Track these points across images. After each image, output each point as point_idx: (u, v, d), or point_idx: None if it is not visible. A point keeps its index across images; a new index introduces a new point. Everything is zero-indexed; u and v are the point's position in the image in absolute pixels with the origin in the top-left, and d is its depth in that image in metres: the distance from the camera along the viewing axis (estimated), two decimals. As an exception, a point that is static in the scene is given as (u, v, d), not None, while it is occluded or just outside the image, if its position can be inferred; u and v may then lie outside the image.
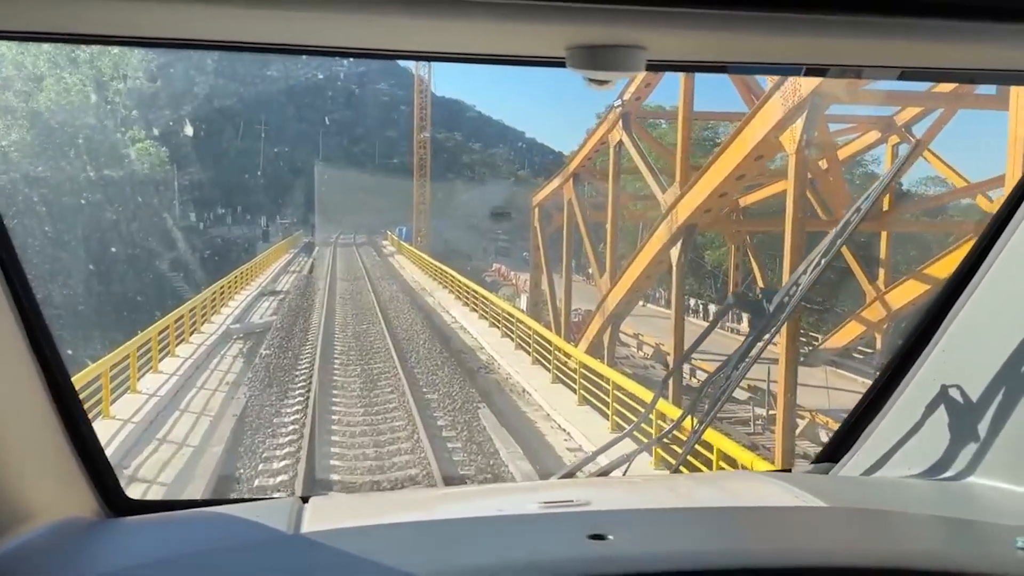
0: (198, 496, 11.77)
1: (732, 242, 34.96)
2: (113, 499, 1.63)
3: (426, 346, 23.43)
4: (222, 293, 28.01)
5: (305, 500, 1.67)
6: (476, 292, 29.60)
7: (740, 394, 21.02)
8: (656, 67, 1.08)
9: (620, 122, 24.53)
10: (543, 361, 20.30)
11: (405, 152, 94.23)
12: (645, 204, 34.05)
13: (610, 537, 1.39)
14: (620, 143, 25.09)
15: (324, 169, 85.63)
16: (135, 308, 38.33)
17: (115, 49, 53.63)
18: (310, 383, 18.23)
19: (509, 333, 24.74)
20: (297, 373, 19.64)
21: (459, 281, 33.56)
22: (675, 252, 20.32)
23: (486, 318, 27.22)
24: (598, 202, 33.88)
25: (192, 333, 22.46)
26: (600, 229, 32.05)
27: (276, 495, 9.98)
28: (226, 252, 58.55)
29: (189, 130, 70.37)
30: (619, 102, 24.15)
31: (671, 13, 0.87)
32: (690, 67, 1.28)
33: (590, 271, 52.76)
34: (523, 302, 42.19)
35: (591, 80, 1.05)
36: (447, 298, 33.83)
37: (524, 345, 22.64)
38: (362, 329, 26.15)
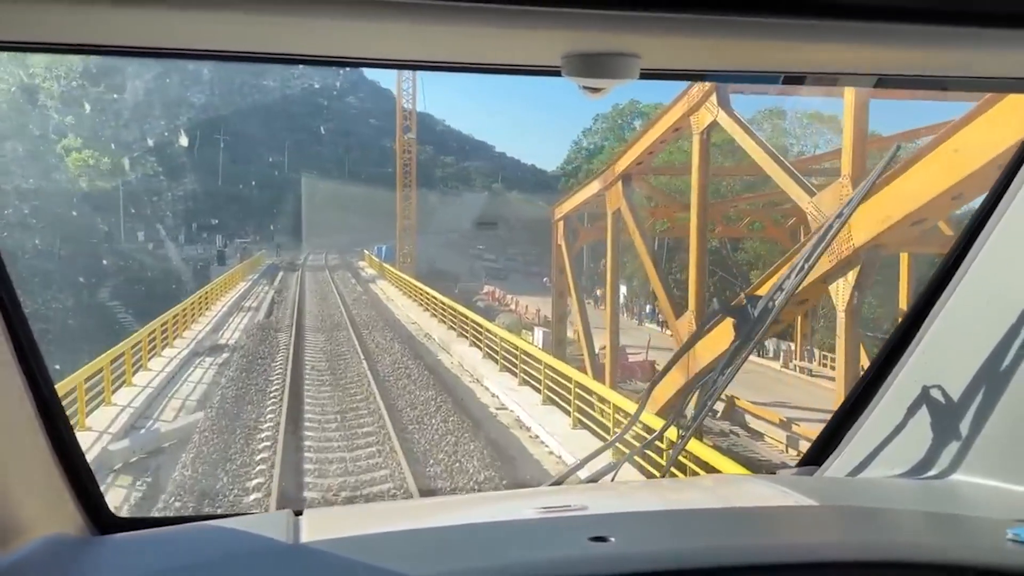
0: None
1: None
2: (99, 516, 1.58)
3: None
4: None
5: (298, 513, 1.61)
6: (509, 343, 20.39)
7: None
8: (650, 75, 1.10)
9: (715, 96, 17.19)
10: (589, 423, 14.63)
11: (379, 164, 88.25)
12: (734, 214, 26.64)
13: (612, 539, 1.38)
14: (712, 126, 17.76)
15: (290, 183, 79.10)
16: (56, 352, 30.16)
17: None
18: None
19: (530, 381, 17.78)
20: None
21: (480, 326, 23.64)
22: (842, 289, 13.07)
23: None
24: (651, 211, 26.71)
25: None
26: (662, 249, 24.67)
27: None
28: (176, 277, 50.23)
29: (136, 138, 62.47)
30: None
31: (664, 19, 0.88)
32: (681, 75, 1.26)
33: (625, 303, 45.80)
34: (537, 336, 34.72)
35: (586, 88, 1.05)
36: (471, 355, 22.40)
37: (557, 399, 15.92)
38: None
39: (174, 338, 22.76)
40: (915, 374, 1.91)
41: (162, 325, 21.47)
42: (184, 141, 69.31)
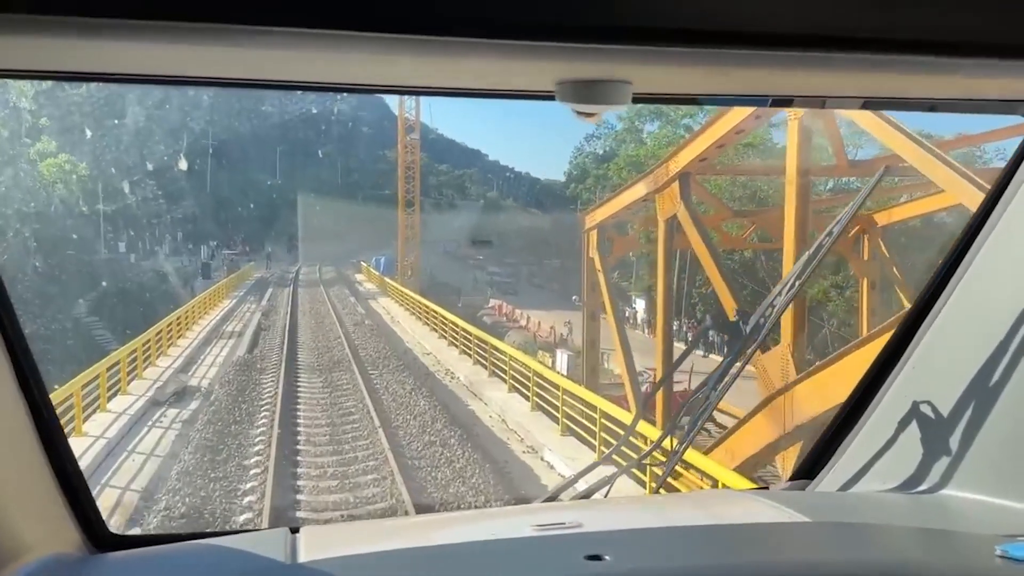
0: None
1: (863, 274, 24.48)
2: (96, 534, 1.56)
3: None
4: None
5: (294, 531, 1.60)
6: (575, 396, 15.82)
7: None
8: (641, 99, 1.12)
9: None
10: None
11: (374, 171, 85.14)
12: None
13: (607, 558, 1.37)
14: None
15: (280, 190, 75.87)
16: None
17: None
18: None
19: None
20: None
21: (519, 362, 18.91)
22: None
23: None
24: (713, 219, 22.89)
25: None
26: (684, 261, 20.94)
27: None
28: (155, 293, 46.17)
29: (112, 139, 58.64)
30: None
31: (656, 52, 0.89)
32: (672, 99, 1.30)
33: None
34: (561, 360, 30.84)
35: (579, 112, 1.07)
36: (513, 407, 17.71)
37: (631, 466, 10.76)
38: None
39: (128, 383, 18.16)
40: (906, 389, 1.91)
41: (109, 369, 16.63)
42: (167, 148, 65.44)
